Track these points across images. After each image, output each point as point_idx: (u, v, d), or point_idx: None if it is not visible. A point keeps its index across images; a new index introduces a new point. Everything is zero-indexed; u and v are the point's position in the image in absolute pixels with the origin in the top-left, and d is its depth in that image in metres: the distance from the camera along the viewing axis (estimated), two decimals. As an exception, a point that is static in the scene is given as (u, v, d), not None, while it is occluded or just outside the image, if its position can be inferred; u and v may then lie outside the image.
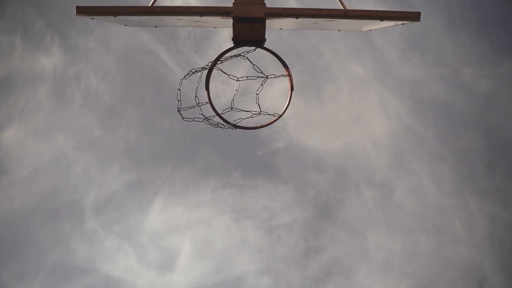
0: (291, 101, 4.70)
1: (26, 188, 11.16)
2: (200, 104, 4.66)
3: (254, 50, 4.58)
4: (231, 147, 12.19)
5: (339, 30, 5.37)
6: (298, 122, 11.94)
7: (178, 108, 4.68)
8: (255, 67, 4.68)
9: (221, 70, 4.64)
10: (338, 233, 11.85)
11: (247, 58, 4.64)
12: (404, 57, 11.40)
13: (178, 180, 11.99)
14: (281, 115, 4.68)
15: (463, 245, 11.29)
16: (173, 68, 11.43)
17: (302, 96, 11.18)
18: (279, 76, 4.70)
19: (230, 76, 4.68)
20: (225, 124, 4.73)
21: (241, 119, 4.77)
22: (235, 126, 4.76)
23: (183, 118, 4.69)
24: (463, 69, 11.23)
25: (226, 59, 4.61)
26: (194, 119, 4.69)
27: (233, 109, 4.74)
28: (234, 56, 4.62)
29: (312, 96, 11.70)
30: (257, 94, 4.71)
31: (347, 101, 11.84)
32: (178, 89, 4.65)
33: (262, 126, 4.73)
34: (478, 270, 11.09)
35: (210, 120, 4.69)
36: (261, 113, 4.73)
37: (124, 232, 11.76)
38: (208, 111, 4.68)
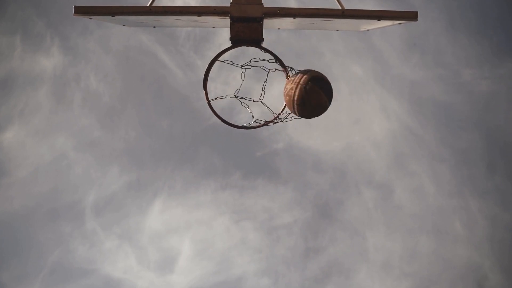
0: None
1: (26, 188, 11.18)
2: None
3: (264, 52, 4.59)
4: (231, 148, 12.21)
5: (337, 30, 5.39)
6: (298, 122, 11.94)
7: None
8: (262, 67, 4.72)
9: (227, 62, 4.65)
10: (338, 234, 11.85)
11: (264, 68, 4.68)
12: (404, 58, 11.41)
13: (178, 181, 12.02)
14: (278, 115, 4.70)
15: (463, 246, 11.29)
16: (173, 69, 11.44)
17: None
18: (282, 69, 4.70)
19: (234, 64, 4.68)
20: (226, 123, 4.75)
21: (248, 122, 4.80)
22: (235, 126, 4.78)
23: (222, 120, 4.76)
24: (462, 70, 11.24)
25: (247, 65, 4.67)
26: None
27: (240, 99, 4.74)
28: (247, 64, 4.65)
29: (312, 97, 11.67)
30: (261, 99, 4.75)
31: (346, 102, 11.85)
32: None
33: (260, 126, 4.75)
34: (478, 270, 11.08)
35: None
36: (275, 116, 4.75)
37: (124, 233, 11.79)
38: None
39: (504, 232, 11.06)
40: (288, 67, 4.60)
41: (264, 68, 4.65)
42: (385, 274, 11.42)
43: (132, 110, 11.83)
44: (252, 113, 4.76)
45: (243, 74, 4.69)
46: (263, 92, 4.73)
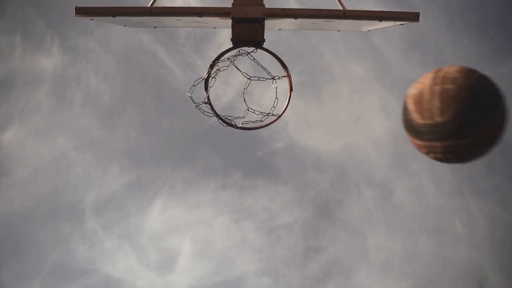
0: (290, 101, 4.72)
1: (26, 188, 11.17)
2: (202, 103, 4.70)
3: (256, 51, 4.59)
4: (231, 147, 12.20)
5: (338, 31, 5.38)
6: (298, 122, 11.94)
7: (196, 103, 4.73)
8: (262, 67, 4.70)
9: (235, 66, 4.66)
10: (338, 233, 11.85)
11: (254, 59, 4.65)
12: (404, 58, 11.40)
13: (178, 180, 12.00)
14: (280, 116, 4.69)
15: (463, 246, 11.29)
16: (173, 69, 11.43)
17: (301, 96, 11.18)
18: (282, 77, 4.69)
19: (243, 74, 4.69)
20: (225, 123, 4.75)
21: (248, 121, 4.79)
22: (236, 127, 4.77)
23: (203, 113, 4.75)
24: (463, 69, 11.20)
25: (225, 60, 4.63)
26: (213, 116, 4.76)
27: (249, 110, 4.77)
28: (234, 56, 4.64)
29: (312, 97, 11.70)
30: (244, 98, 4.76)
31: (347, 102, 11.84)
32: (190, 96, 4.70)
33: (261, 127, 4.74)
34: (478, 270, 11.09)
35: (224, 117, 4.75)
36: (269, 114, 4.73)
37: (124, 233, 11.77)
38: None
39: (504, 232, 11.06)
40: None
41: (266, 70, 4.66)
42: (385, 273, 11.44)
43: (132, 110, 11.82)
44: (237, 123, 4.76)
45: (248, 83, 4.71)
46: (245, 89, 4.74)
